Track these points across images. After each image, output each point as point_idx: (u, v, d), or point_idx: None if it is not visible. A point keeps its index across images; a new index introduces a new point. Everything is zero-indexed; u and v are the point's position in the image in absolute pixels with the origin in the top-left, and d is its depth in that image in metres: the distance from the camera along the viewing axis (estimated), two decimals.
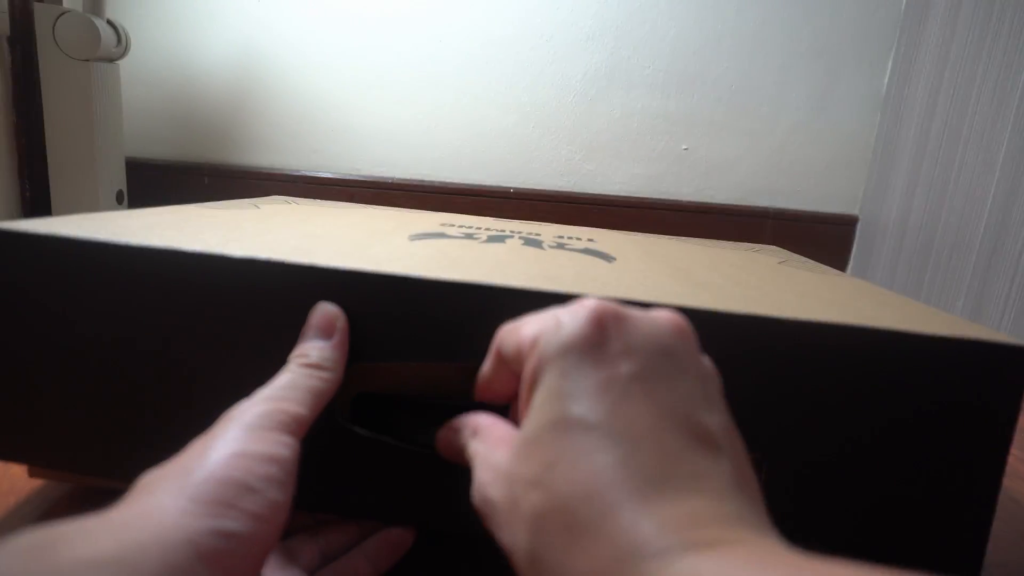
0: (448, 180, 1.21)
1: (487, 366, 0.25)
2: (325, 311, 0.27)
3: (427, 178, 1.22)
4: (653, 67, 1.17)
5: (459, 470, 0.28)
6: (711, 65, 1.17)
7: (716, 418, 0.19)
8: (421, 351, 0.28)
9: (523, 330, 0.22)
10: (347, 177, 1.22)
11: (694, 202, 1.21)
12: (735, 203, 1.21)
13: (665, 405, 0.18)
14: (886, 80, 1.16)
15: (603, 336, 0.20)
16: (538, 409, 0.19)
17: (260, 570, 0.20)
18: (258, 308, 0.28)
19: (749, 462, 0.20)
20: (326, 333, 0.27)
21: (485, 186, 1.20)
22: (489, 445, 0.22)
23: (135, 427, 0.29)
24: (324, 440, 0.28)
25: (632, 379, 0.19)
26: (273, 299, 0.28)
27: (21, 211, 0.97)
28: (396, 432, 0.29)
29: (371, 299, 0.28)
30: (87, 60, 0.94)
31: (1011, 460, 0.49)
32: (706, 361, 0.22)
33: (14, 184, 0.97)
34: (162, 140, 1.22)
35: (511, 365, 0.23)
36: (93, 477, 0.30)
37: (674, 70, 1.17)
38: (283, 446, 0.22)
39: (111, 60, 1.00)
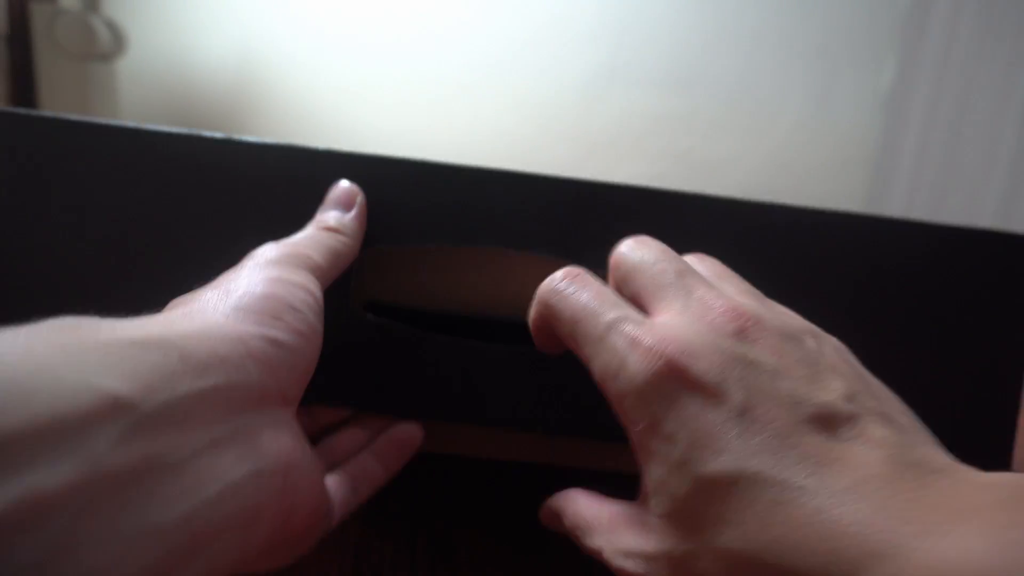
0: None
1: (533, 323, 0.24)
2: (345, 186, 0.27)
3: None
4: (654, 66, 1.17)
5: (473, 358, 0.28)
6: (712, 64, 1.16)
7: (829, 390, 0.18)
8: (438, 237, 0.28)
9: (582, 348, 0.20)
10: None
11: None
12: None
13: (781, 415, 0.17)
14: (888, 78, 1.16)
15: (673, 387, 0.18)
16: (661, 482, 0.18)
17: (302, 392, 0.20)
18: (275, 195, 0.29)
19: (889, 394, 0.19)
20: (346, 206, 0.27)
21: None
22: (609, 534, 0.20)
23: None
24: (337, 333, 0.28)
25: (738, 409, 0.17)
26: (292, 186, 0.28)
27: None
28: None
29: (389, 185, 0.28)
30: (84, 59, 0.94)
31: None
32: (794, 325, 0.20)
33: None
34: None
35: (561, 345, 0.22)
36: None
37: (675, 69, 1.17)
38: (311, 281, 0.22)
39: (108, 59, 0.99)
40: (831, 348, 0.20)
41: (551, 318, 0.22)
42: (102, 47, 0.95)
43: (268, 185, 0.28)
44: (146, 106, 1.20)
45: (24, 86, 0.96)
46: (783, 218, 0.28)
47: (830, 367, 0.19)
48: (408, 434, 0.29)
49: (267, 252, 0.22)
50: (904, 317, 0.27)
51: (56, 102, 0.95)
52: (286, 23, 1.17)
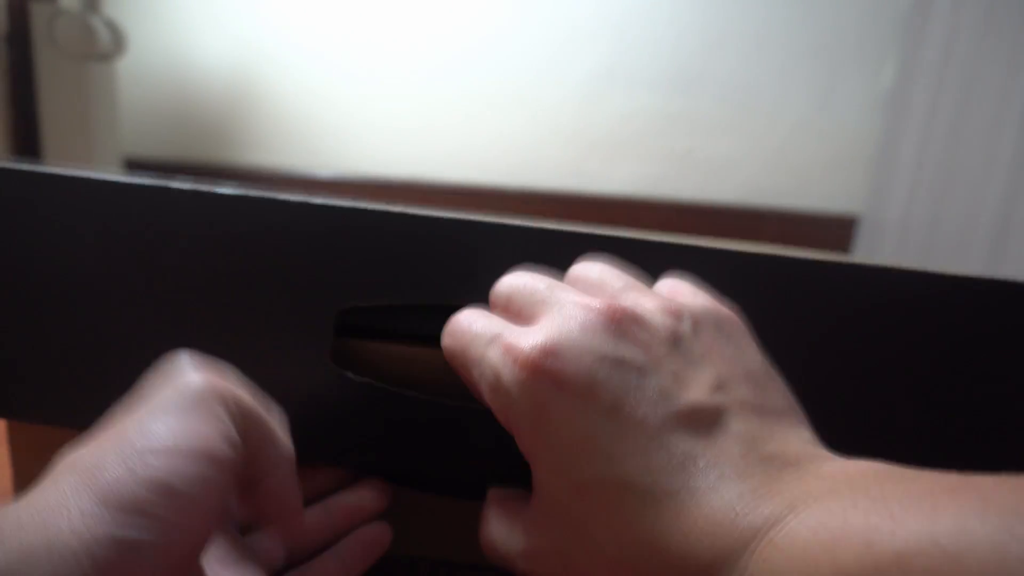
0: (448, 179, 1.21)
1: None
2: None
3: (427, 177, 1.21)
4: (655, 66, 1.16)
5: (455, 418, 0.27)
6: (713, 64, 1.16)
7: (697, 384, 0.18)
8: (411, 292, 0.27)
9: (472, 372, 0.21)
10: (346, 177, 1.21)
11: (695, 201, 1.20)
12: (737, 202, 1.20)
13: (649, 415, 0.17)
14: (889, 79, 1.15)
15: (543, 391, 0.18)
16: (542, 483, 0.19)
17: None
18: (252, 247, 0.28)
19: (766, 374, 0.20)
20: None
21: (485, 185, 1.20)
22: (508, 536, 0.21)
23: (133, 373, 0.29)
24: (311, 388, 0.28)
25: (607, 410, 0.17)
26: (269, 237, 0.28)
27: None
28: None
29: (369, 238, 0.28)
30: (84, 59, 0.94)
31: None
32: (674, 310, 0.20)
33: None
34: (161, 139, 1.21)
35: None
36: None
37: (676, 69, 1.16)
38: (227, 441, 0.18)
39: (107, 59, 0.99)
40: (709, 329, 0.20)
41: (450, 359, 0.22)
42: (102, 47, 0.95)
43: (245, 236, 0.27)
44: (145, 106, 1.20)
45: (24, 86, 0.96)
46: (771, 267, 0.28)
47: (703, 355, 0.19)
48: (376, 535, 0.27)
49: (192, 383, 0.18)
50: (903, 368, 0.27)
51: (55, 102, 0.95)
52: (285, 23, 1.17)
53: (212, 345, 0.25)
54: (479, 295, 0.26)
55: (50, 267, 0.28)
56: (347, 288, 0.27)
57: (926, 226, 1.04)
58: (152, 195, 0.27)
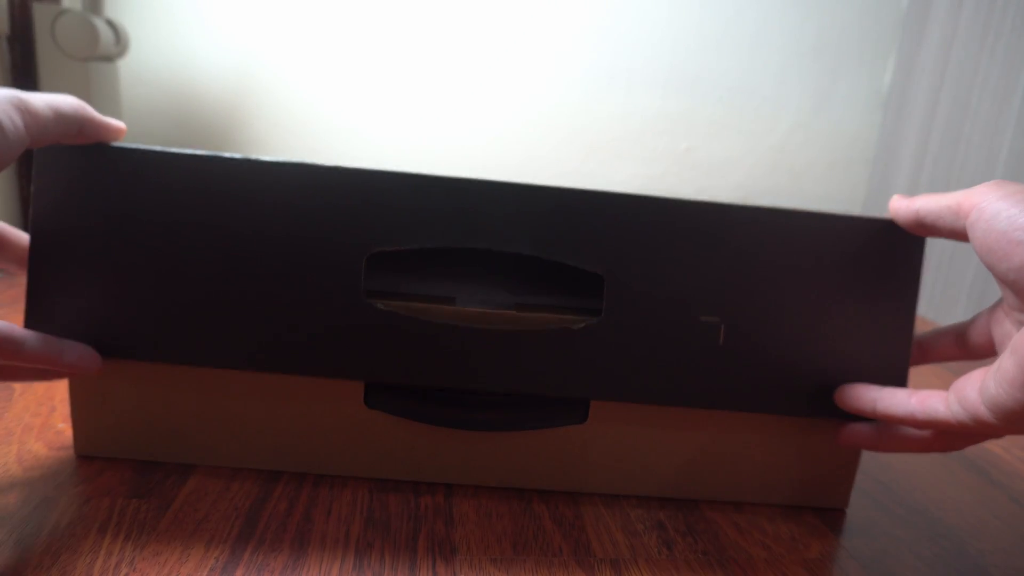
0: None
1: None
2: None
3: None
4: (654, 66, 1.17)
5: (467, 339, 0.34)
6: (712, 64, 1.16)
7: None
8: (433, 240, 0.34)
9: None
10: None
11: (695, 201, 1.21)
12: (736, 202, 1.21)
13: None
14: (888, 78, 1.16)
15: None
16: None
17: None
18: (276, 211, 0.34)
19: None
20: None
21: None
22: (965, 396, 0.28)
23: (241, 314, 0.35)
24: (346, 317, 0.34)
25: None
26: (292, 201, 0.34)
27: (20, 209, 0.96)
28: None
29: (389, 195, 0.34)
30: (86, 60, 0.94)
31: (1011, 460, 0.49)
32: None
33: (13, 182, 0.97)
34: (162, 140, 1.22)
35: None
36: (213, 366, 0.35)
37: (674, 69, 1.17)
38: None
39: (110, 59, 0.99)
40: None
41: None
42: (104, 48, 0.95)
43: (289, 195, 0.33)
44: (148, 107, 1.20)
45: (26, 86, 0.97)
46: (742, 217, 0.39)
47: None
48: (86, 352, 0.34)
49: None
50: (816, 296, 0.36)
51: None
52: (287, 23, 1.17)
53: (269, 283, 0.33)
54: (481, 241, 0.34)
55: (138, 230, 0.34)
56: (374, 236, 0.33)
57: None
58: (209, 163, 0.33)
